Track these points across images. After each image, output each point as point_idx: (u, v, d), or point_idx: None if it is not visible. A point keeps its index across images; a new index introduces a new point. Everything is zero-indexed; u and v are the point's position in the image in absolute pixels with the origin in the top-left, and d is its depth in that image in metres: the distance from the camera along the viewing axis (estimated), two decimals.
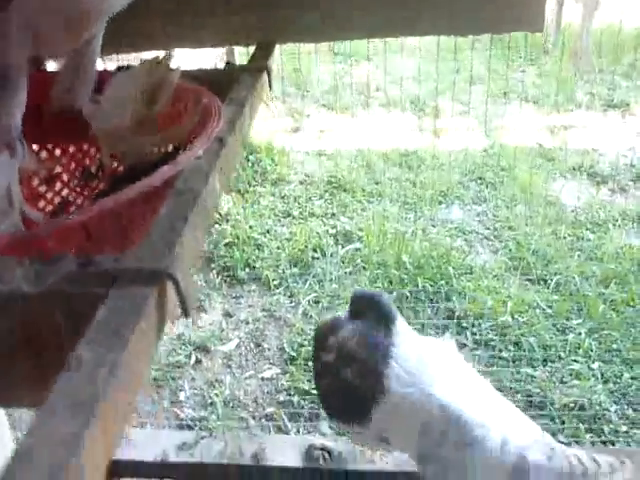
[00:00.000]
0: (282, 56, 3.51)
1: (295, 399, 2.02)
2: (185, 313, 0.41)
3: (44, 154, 0.70)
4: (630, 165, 3.44)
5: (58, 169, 0.69)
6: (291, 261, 2.66)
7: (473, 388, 0.99)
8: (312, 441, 1.47)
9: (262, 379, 2.12)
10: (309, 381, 2.07)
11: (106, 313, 0.37)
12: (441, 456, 0.93)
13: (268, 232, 2.87)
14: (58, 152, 0.71)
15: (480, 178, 3.37)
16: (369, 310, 0.95)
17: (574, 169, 3.41)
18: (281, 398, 2.03)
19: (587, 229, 2.88)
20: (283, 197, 3.19)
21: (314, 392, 2.01)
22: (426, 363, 0.95)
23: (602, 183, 3.30)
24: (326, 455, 1.42)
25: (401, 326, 0.96)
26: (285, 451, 1.43)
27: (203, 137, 0.52)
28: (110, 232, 0.50)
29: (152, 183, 0.46)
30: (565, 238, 2.81)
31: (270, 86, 0.81)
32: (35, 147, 0.69)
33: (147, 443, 1.31)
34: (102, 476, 0.32)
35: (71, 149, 0.71)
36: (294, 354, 2.19)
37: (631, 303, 2.37)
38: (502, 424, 0.95)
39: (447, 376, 0.97)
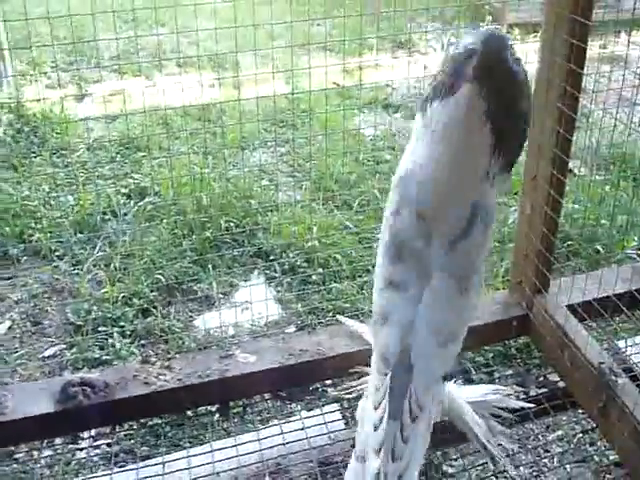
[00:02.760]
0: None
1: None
2: None
3: None
4: (420, 94, 3.61)
5: None
6: (76, 227, 2.33)
7: None
8: (68, 378, 1.26)
9: (43, 359, 1.80)
10: (100, 347, 1.81)
11: None
12: None
13: (47, 202, 2.49)
14: None
15: (282, 122, 3.30)
16: None
17: (370, 103, 3.49)
18: (66, 375, 1.73)
19: (386, 153, 2.95)
20: (67, 166, 2.80)
21: (106, 358, 1.76)
22: None
23: (396, 112, 3.42)
24: (88, 390, 1.21)
25: None
26: (35, 397, 1.20)
27: None
28: None
29: None
30: (364, 164, 2.84)
31: None
32: None
33: None
34: None
35: None
36: (81, 323, 1.89)
37: None
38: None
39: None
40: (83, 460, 1.46)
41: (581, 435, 1.43)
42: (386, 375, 0.88)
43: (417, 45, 4.26)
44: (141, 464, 1.24)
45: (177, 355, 1.40)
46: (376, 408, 0.87)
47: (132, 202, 2.49)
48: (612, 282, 1.36)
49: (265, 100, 3.44)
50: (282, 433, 1.25)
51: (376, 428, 0.87)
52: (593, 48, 2.94)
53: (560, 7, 1.32)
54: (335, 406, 1.39)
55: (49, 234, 2.28)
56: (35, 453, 1.49)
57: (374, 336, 0.96)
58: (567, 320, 1.37)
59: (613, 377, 1.24)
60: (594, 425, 1.33)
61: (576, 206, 2.34)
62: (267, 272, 2.18)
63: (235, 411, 1.41)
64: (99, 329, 1.86)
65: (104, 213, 2.42)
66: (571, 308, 1.41)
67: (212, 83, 3.78)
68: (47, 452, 1.49)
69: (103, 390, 1.28)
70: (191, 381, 1.35)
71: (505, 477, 1.42)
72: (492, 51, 0.81)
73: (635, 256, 1.83)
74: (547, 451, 1.48)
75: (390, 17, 5.05)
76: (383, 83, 3.67)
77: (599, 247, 2.10)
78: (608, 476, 1.32)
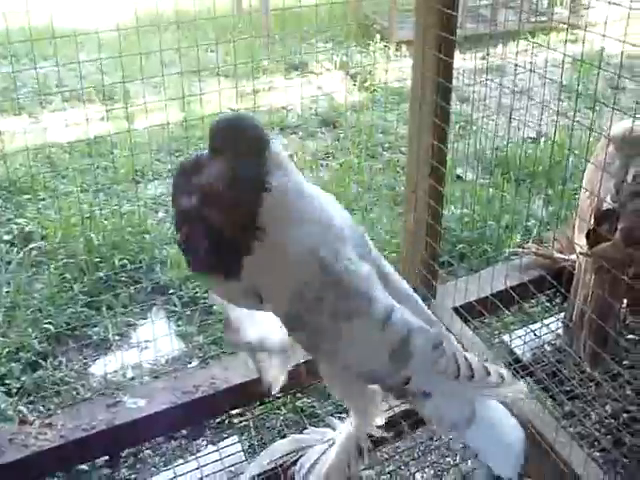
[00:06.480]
0: None
1: None
2: None
3: None
4: (315, 114, 3.67)
5: None
6: None
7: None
8: None
9: None
10: None
11: None
12: (312, 323, 0.82)
13: None
14: None
15: (177, 151, 3.23)
16: (234, 142, 0.79)
17: (266, 126, 3.50)
18: None
19: None
20: None
21: None
22: (311, 203, 0.83)
23: (293, 133, 3.46)
24: None
25: (277, 153, 0.81)
26: None
27: None
28: None
29: None
30: None
31: None
32: None
33: None
34: None
35: None
36: None
37: None
38: (390, 299, 0.85)
39: (336, 230, 0.84)
40: None
41: None
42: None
43: (310, 66, 4.34)
44: None
45: (59, 410, 1.30)
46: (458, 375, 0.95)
47: (15, 249, 2.33)
48: (490, 282, 1.42)
49: (158, 130, 3.37)
50: (175, 477, 1.19)
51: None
52: (474, 60, 3.12)
53: (427, 25, 1.36)
54: (235, 438, 1.35)
55: None
56: None
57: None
58: (452, 322, 1.41)
59: None
60: None
61: (465, 210, 2.45)
62: (167, 307, 2.11)
63: (126, 461, 1.33)
64: None
65: None
66: (456, 311, 1.45)
67: (102, 116, 3.65)
68: None
69: None
70: (75, 436, 1.25)
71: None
72: None
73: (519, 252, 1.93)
74: (448, 449, 1.51)
75: (283, 39, 5.10)
76: (279, 105, 3.70)
77: (487, 247, 2.21)
78: None
